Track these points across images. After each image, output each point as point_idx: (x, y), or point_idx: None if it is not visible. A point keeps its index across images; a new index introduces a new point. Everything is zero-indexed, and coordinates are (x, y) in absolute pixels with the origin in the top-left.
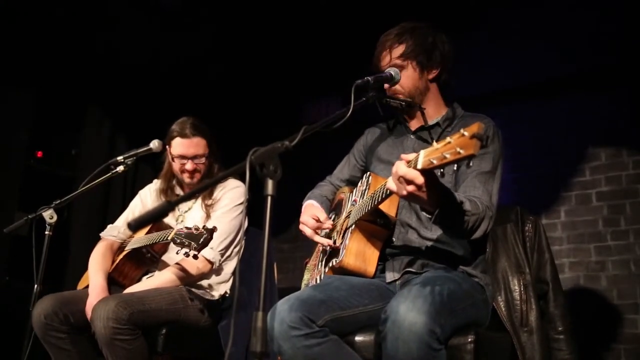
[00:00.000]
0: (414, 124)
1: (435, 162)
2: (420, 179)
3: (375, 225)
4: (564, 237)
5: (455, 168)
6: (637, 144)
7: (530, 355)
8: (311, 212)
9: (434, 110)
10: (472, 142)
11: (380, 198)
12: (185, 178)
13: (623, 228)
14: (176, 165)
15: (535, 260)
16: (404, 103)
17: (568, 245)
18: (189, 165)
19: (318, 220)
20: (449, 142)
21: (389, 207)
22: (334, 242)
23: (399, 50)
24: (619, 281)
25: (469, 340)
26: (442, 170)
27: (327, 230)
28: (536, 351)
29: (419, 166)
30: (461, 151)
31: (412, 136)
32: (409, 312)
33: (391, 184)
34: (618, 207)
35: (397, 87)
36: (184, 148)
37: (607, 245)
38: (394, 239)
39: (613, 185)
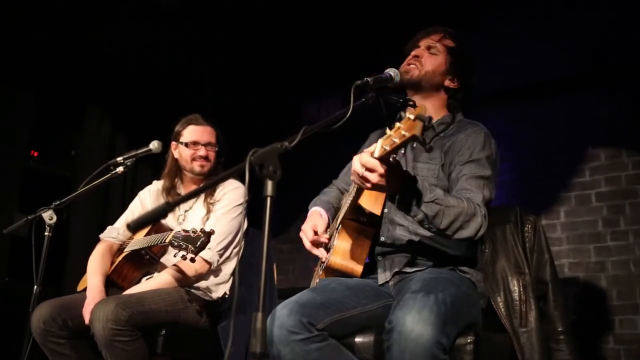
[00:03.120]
0: None
1: (387, 148)
2: (376, 166)
3: (359, 223)
4: (563, 237)
5: (440, 169)
6: (637, 145)
7: (529, 356)
8: (314, 222)
9: (433, 112)
10: (415, 123)
11: (354, 193)
12: (196, 167)
13: (623, 228)
14: (188, 153)
15: (534, 261)
16: (401, 100)
17: (568, 246)
18: (202, 151)
19: (316, 233)
20: (399, 127)
21: (373, 204)
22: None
23: (444, 40)
24: (619, 281)
25: (469, 341)
26: (394, 155)
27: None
28: (535, 352)
29: (376, 154)
30: (406, 133)
31: None
32: (416, 324)
33: (354, 176)
34: (618, 208)
35: (416, 63)
36: (198, 134)
37: (606, 246)
38: (382, 237)
39: (613, 185)
